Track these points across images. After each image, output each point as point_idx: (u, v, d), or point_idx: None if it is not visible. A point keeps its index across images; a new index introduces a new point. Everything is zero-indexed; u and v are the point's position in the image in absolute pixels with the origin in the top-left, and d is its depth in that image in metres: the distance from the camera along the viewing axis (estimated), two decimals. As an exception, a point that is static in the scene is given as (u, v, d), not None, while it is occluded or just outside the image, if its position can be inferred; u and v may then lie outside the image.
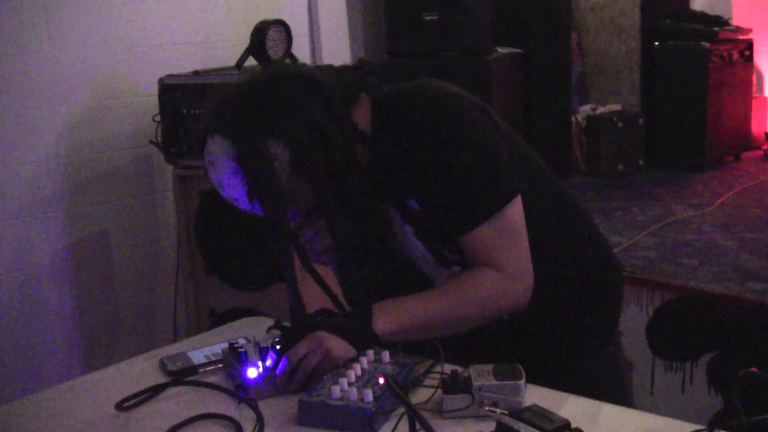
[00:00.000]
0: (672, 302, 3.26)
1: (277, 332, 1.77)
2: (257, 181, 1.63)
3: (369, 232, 1.81)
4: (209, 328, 3.40)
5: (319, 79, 1.72)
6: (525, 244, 1.74)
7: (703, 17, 5.55)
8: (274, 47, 3.27)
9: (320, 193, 1.69)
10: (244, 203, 1.68)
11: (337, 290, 1.80)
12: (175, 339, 3.69)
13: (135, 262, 3.82)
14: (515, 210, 1.73)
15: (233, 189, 1.66)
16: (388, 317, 1.70)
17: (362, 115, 1.75)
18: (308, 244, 1.81)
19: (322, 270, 1.82)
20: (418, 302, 1.74)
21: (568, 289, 1.88)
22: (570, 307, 1.90)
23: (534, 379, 1.62)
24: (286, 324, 1.78)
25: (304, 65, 1.76)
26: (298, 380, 1.66)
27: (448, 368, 1.61)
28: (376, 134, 1.74)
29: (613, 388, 1.96)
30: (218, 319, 3.40)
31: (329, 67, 3.79)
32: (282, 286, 3.20)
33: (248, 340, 1.80)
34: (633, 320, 3.32)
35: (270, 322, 2.08)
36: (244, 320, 2.15)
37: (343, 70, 1.78)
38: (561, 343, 1.92)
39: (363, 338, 1.69)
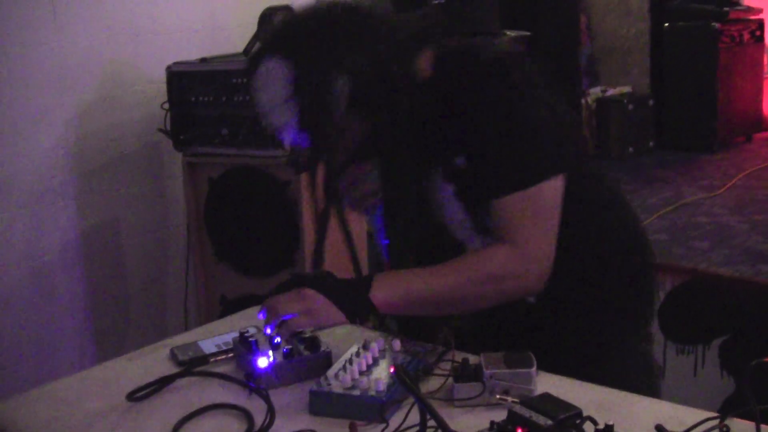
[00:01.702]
0: (683, 285, 3.25)
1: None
2: (313, 111, 1.58)
3: (411, 188, 1.75)
4: (220, 315, 3.41)
5: (389, 20, 1.68)
6: (553, 227, 1.67)
7: (713, -4, 5.52)
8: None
9: (376, 134, 1.64)
10: (288, 132, 1.62)
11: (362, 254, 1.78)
12: (186, 326, 3.70)
13: (145, 249, 3.82)
14: (552, 189, 1.66)
15: (281, 115, 1.60)
16: (387, 288, 1.65)
17: (423, 66, 1.69)
18: (348, 189, 1.77)
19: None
20: (423, 276, 1.68)
21: (594, 276, 1.83)
22: (595, 295, 1.84)
23: (557, 366, 1.60)
24: None
25: (374, 4, 1.71)
26: (272, 325, 1.65)
27: (460, 356, 1.60)
28: (435, 87, 1.68)
29: (642, 384, 1.85)
30: (229, 305, 3.40)
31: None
32: (290, 273, 3.21)
33: (259, 329, 1.80)
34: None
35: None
36: (253, 309, 2.13)
37: (411, 14, 1.72)
38: (585, 333, 1.84)
39: (356, 305, 1.65)
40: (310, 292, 1.66)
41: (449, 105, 1.67)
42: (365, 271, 1.77)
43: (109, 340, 3.72)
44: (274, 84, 1.58)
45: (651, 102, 5.40)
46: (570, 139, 1.75)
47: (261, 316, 1.68)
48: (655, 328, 3.28)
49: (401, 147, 1.67)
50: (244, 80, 3.14)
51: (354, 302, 1.65)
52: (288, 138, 1.63)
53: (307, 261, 3.17)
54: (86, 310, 3.65)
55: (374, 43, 1.61)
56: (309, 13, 1.65)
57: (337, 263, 1.82)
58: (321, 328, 1.67)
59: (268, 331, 1.67)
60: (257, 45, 1.66)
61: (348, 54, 1.59)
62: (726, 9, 5.36)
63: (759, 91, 5.71)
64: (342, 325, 1.69)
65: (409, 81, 1.65)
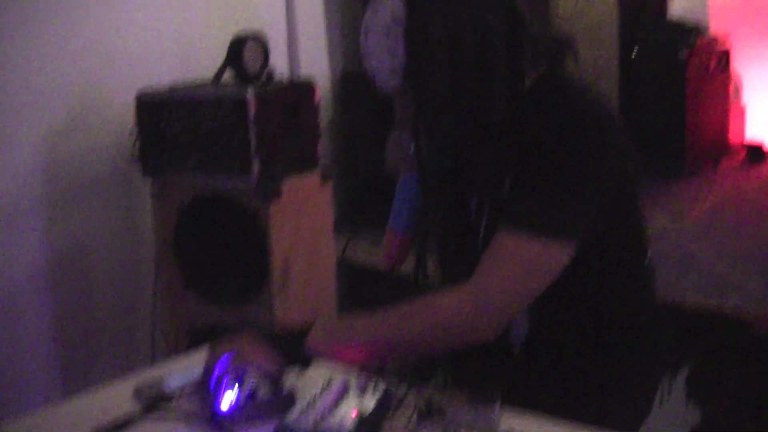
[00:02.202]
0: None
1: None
2: (413, 58, 1.58)
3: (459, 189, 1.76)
4: (188, 344, 3.40)
5: (526, 28, 1.67)
6: (527, 289, 1.60)
7: (680, 26, 5.57)
8: (251, 61, 3.26)
9: (455, 110, 1.63)
10: (372, 63, 1.63)
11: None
12: (154, 354, 3.68)
13: (114, 276, 3.80)
14: (552, 255, 1.59)
15: (376, 45, 1.61)
16: (327, 332, 1.64)
17: (529, 80, 1.68)
18: (396, 146, 1.80)
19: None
20: (367, 322, 1.66)
21: (592, 341, 1.78)
22: (589, 359, 1.79)
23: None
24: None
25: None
26: (212, 372, 1.65)
27: (425, 393, 1.60)
28: (526, 104, 1.67)
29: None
30: (197, 334, 3.39)
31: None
32: (260, 302, 3.21)
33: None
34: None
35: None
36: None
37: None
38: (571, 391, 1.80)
39: (293, 349, 1.65)
40: (247, 337, 1.68)
41: (525, 127, 1.64)
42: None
43: (77, 367, 3.69)
44: (386, 17, 1.59)
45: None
46: (607, 213, 1.67)
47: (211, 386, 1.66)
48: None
49: (468, 147, 1.67)
50: (213, 108, 3.15)
51: (292, 347, 1.64)
52: (373, 71, 1.63)
53: (276, 290, 3.16)
54: (53, 336, 3.62)
55: (495, 31, 1.60)
56: None
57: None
58: (264, 373, 1.65)
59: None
60: None
61: (467, 24, 1.58)
62: (693, 38, 5.42)
63: (725, 119, 5.76)
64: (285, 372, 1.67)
65: (509, 82, 1.63)
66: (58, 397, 3.51)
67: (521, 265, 1.58)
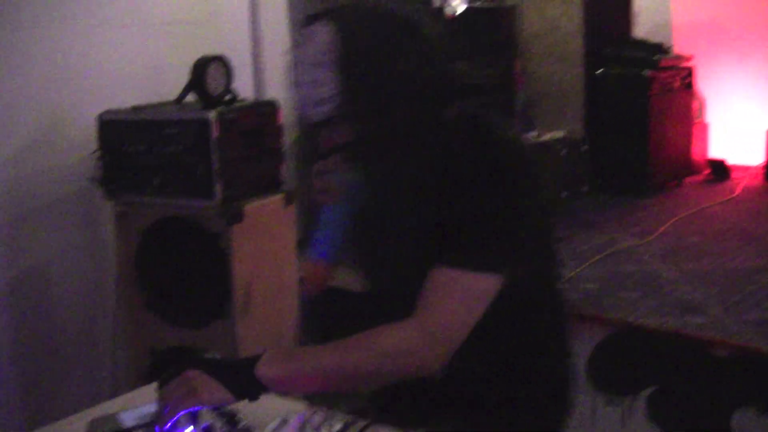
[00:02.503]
0: (612, 337, 3.29)
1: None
2: (347, 90, 1.57)
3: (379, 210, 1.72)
4: (149, 367, 3.37)
5: (451, 49, 1.68)
6: (470, 318, 1.61)
7: (644, 45, 5.63)
8: (214, 83, 3.25)
9: (383, 140, 1.62)
10: (303, 95, 1.62)
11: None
12: (115, 378, 3.65)
13: (75, 298, 3.76)
14: (489, 285, 1.61)
15: (309, 76, 1.60)
16: (274, 364, 1.60)
17: (448, 112, 1.68)
18: (316, 176, 1.75)
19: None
20: (316, 352, 1.63)
21: (509, 373, 1.78)
22: (506, 389, 1.80)
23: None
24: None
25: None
26: (163, 415, 1.62)
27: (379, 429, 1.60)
28: (445, 138, 1.65)
29: None
30: (159, 357, 3.37)
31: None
32: (222, 324, 3.20)
33: (181, 400, 1.78)
34: (574, 355, 3.34)
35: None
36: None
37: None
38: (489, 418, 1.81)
39: (241, 382, 1.60)
40: (193, 372, 1.62)
41: (447, 161, 1.63)
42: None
43: (36, 391, 3.65)
44: (315, 42, 1.59)
45: (585, 147, 5.47)
46: (532, 246, 1.68)
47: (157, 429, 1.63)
48: (583, 379, 3.33)
49: (393, 172, 1.64)
50: (176, 130, 3.14)
51: (239, 379, 1.61)
52: (302, 104, 1.63)
53: (238, 313, 3.15)
54: (13, 358, 3.58)
55: (428, 62, 1.60)
56: (383, 4, 1.65)
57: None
58: (212, 406, 1.62)
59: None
60: (325, 4, 1.65)
61: (401, 56, 1.58)
62: (657, 57, 5.48)
63: (689, 137, 5.83)
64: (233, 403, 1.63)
65: (434, 115, 1.64)
66: (17, 422, 3.47)
67: (463, 298, 1.61)
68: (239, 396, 1.61)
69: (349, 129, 1.61)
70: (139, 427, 1.76)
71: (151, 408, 1.79)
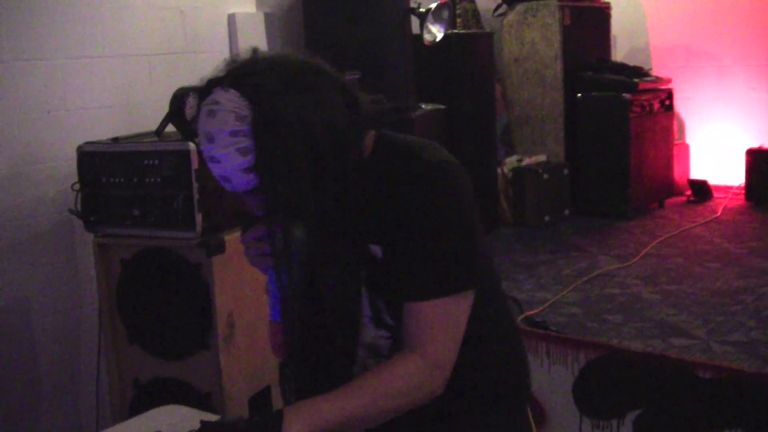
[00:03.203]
0: (597, 361, 3.29)
1: None
2: (266, 153, 1.55)
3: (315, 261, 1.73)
4: (133, 399, 3.35)
5: (354, 92, 1.69)
6: (459, 337, 1.71)
7: (623, 68, 5.66)
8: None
9: (317, 194, 1.61)
10: (223, 167, 1.58)
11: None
12: (98, 409, 3.62)
13: (57, 329, 3.74)
14: (465, 302, 1.71)
15: (222, 148, 1.56)
16: (301, 419, 1.62)
17: (366, 145, 1.71)
18: (254, 243, 1.74)
19: None
20: (335, 400, 1.66)
21: (470, 394, 1.85)
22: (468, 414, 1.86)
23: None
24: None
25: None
26: None
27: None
28: (371, 170, 1.70)
29: None
30: (142, 388, 3.35)
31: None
32: (205, 355, 3.18)
33: (162, 435, 1.77)
34: (559, 379, 3.34)
35: (186, 410, 2.06)
36: (162, 409, 2.10)
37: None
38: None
39: None
40: None
41: (380, 192, 1.68)
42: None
43: (19, 423, 3.62)
44: (222, 114, 1.56)
45: (566, 170, 5.49)
46: (481, 254, 1.77)
47: None
48: (569, 403, 3.32)
49: (328, 219, 1.65)
50: (156, 161, 3.13)
51: None
52: (224, 175, 1.59)
53: (221, 343, 3.13)
54: (-6, 392, 3.56)
55: (335, 105, 1.62)
56: (276, 58, 1.65)
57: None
58: None
59: None
60: (219, 70, 1.63)
61: (309, 107, 1.58)
62: (636, 80, 5.51)
63: (669, 158, 5.85)
64: None
65: (357, 154, 1.65)
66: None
67: (451, 322, 1.70)
68: None
69: (277, 190, 1.59)
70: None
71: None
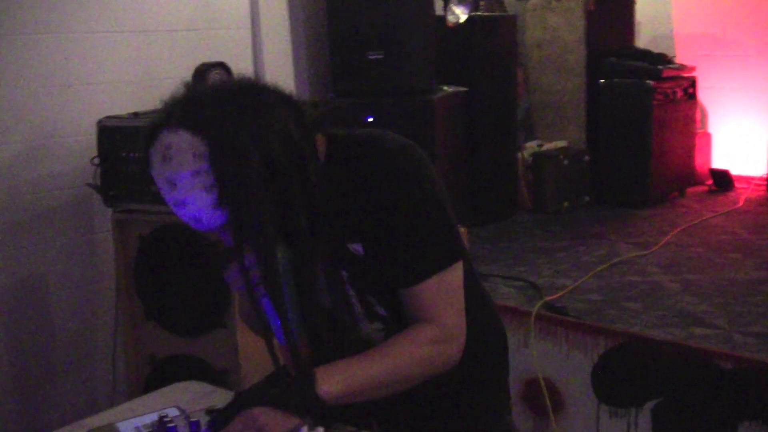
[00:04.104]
0: (616, 348, 3.25)
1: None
2: (231, 186, 1.50)
3: (304, 269, 1.71)
4: (149, 374, 3.35)
5: (294, 98, 1.65)
6: (462, 305, 1.75)
7: (647, 55, 5.60)
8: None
9: (289, 213, 1.59)
10: (192, 208, 1.53)
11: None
12: (114, 385, 3.62)
13: (74, 304, 3.74)
14: (458, 271, 1.74)
15: (187, 190, 1.51)
16: (333, 380, 1.64)
17: (319, 151, 1.69)
18: (239, 278, 1.68)
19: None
20: (362, 363, 1.69)
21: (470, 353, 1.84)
22: (472, 370, 1.88)
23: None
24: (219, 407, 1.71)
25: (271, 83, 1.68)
26: None
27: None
28: (330, 171, 1.68)
29: None
30: (158, 364, 3.34)
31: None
32: (222, 333, 3.17)
33: (181, 410, 1.75)
34: (577, 366, 3.32)
35: (204, 386, 2.05)
36: (179, 385, 2.08)
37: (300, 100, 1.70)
38: (461, 412, 1.93)
39: (306, 405, 1.62)
40: (256, 411, 1.61)
41: (346, 191, 1.68)
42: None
43: (34, 397, 3.63)
44: (180, 157, 1.50)
45: (586, 157, 5.45)
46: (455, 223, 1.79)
47: None
48: (587, 390, 3.30)
49: (300, 230, 1.63)
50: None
51: (303, 403, 1.62)
52: (191, 215, 1.55)
53: (237, 322, 3.12)
54: (10, 365, 3.56)
55: (285, 117, 1.58)
56: (216, 88, 1.61)
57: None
58: None
59: None
60: (158, 114, 1.57)
61: (260, 127, 1.54)
62: (660, 67, 5.45)
63: (691, 147, 5.80)
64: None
65: (313, 161, 1.63)
66: (13, 430, 3.44)
67: (452, 292, 1.74)
68: (305, 416, 1.63)
69: (247, 217, 1.55)
70: (138, 437, 1.73)
71: (148, 419, 1.77)
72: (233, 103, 1.55)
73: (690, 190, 5.80)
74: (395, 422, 1.84)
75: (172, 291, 3.28)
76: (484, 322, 1.95)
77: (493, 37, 5.05)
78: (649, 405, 3.18)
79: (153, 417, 1.74)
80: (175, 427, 1.63)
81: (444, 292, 1.72)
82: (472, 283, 1.88)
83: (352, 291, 1.79)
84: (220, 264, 1.78)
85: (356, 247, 1.72)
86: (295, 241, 1.64)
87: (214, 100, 1.56)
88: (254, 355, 3.18)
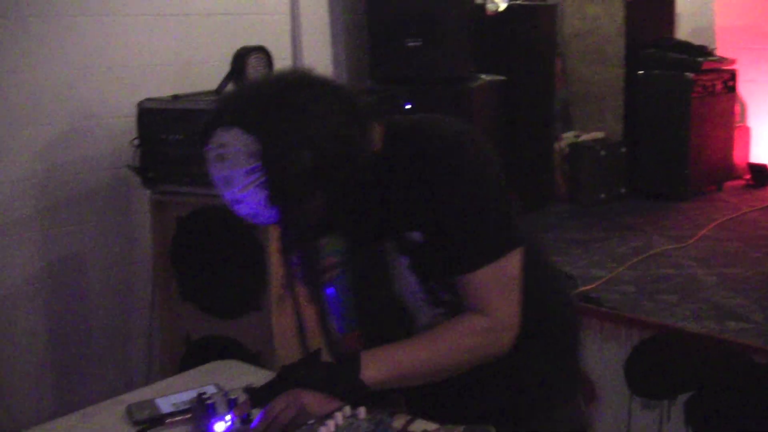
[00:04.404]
0: (650, 340, 3.24)
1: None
2: (282, 184, 1.53)
3: (363, 257, 1.77)
4: (184, 355, 3.38)
5: (347, 92, 1.66)
6: (518, 294, 1.73)
7: (687, 47, 5.55)
8: (254, 73, 3.24)
9: (332, 208, 1.62)
10: (248, 206, 1.57)
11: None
12: (149, 365, 3.66)
13: (110, 285, 3.78)
14: (516, 260, 1.72)
15: (242, 188, 1.54)
16: (377, 366, 1.66)
17: (375, 140, 1.70)
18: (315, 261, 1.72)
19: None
20: (407, 349, 1.71)
21: (531, 337, 1.84)
22: (531, 354, 1.87)
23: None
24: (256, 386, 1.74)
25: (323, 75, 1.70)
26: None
27: (422, 425, 1.58)
28: (387, 161, 1.69)
29: None
30: (193, 345, 3.37)
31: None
32: (257, 315, 3.19)
33: (218, 388, 1.77)
34: (611, 357, 3.31)
35: (241, 365, 2.07)
36: (216, 363, 2.11)
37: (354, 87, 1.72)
38: (524, 393, 1.89)
39: (349, 389, 1.65)
40: (299, 392, 1.65)
41: (404, 179, 1.68)
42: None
43: (70, 376, 3.67)
44: (234, 156, 1.53)
45: (623, 149, 5.42)
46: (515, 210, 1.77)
47: (254, 424, 1.65)
48: (620, 381, 3.29)
49: (356, 221, 1.67)
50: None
51: (346, 387, 1.65)
52: (247, 212, 1.58)
53: (273, 305, 3.14)
54: (47, 344, 3.60)
55: (333, 114, 1.59)
56: (269, 85, 1.62)
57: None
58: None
59: None
60: (213, 111, 1.60)
61: (310, 125, 1.56)
62: (700, 59, 5.40)
63: (730, 141, 5.74)
64: None
65: (366, 153, 1.64)
66: (51, 410, 3.48)
67: (507, 283, 1.72)
68: (348, 400, 1.66)
69: (297, 216, 1.59)
70: (177, 413, 1.75)
71: (186, 396, 1.79)
72: (284, 101, 1.57)
73: (728, 184, 5.75)
74: (436, 405, 1.82)
75: (208, 273, 3.30)
76: (550, 306, 1.93)
77: (532, 26, 5.03)
78: (682, 398, 3.17)
79: (191, 394, 1.76)
80: (214, 404, 1.65)
81: (498, 281, 1.70)
82: (538, 266, 1.87)
83: (415, 277, 1.79)
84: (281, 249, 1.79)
85: (415, 234, 1.73)
86: (349, 232, 1.68)
87: (266, 98, 1.58)
88: (288, 339, 3.20)
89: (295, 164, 1.54)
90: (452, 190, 1.66)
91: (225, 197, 1.59)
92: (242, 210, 1.59)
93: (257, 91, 1.61)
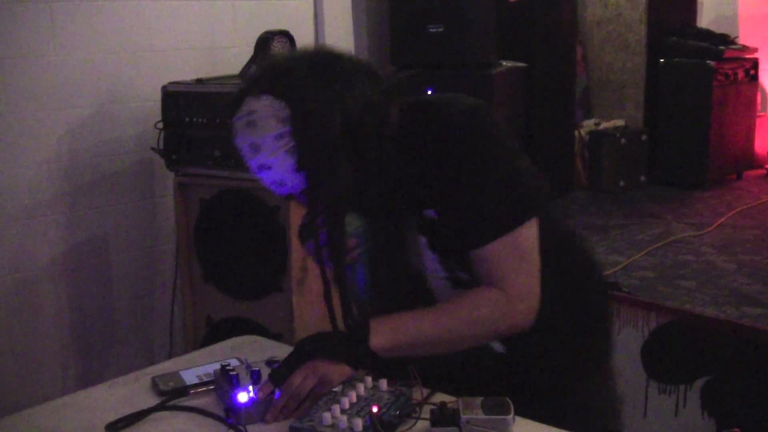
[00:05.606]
0: (668, 325, 3.26)
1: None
2: (311, 148, 1.56)
3: (382, 236, 1.79)
4: (206, 336, 3.42)
5: (372, 66, 1.69)
6: (535, 266, 1.73)
7: (709, 35, 5.54)
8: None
9: (361, 180, 1.64)
10: (276, 172, 1.58)
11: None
12: (171, 345, 3.70)
13: (133, 267, 3.82)
14: (529, 231, 1.72)
15: (271, 153, 1.56)
16: (384, 333, 1.67)
17: (393, 118, 1.71)
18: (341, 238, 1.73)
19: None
20: (417, 318, 1.72)
21: (558, 313, 1.86)
22: (559, 331, 1.88)
23: (528, 411, 1.63)
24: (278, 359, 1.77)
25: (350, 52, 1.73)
26: (291, 407, 1.66)
27: (438, 399, 1.61)
28: (401, 140, 1.70)
29: (608, 421, 1.98)
30: (215, 327, 3.41)
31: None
32: (278, 297, 3.23)
33: (241, 362, 1.80)
34: (628, 341, 3.32)
35: (263, 340, 2.10)
36: (239, 339, 2.14)
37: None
38: (553, 369, 1.90)
39: (359, 356, 1.67)
40: (317, 363, 1.67)
41: (417, 158, 1.70)
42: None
43: (94, 356, 3.72)
44: (263, 122, 1.55)
45: (644, 136, 5.42)
46: (536, 183, 1.77)
47: (277, 395, 1.68)
48: (637, 366, 3.30)
49: (378, 197, 1.70)
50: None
51: (356, 354, 1.67)
52: (274, 178, 1.61)
53: (294, 286, 3.18)
54: (72, 324, 3.64)
55: (362, 82, 1.62)
56: (298, 57, 1.66)
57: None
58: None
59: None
60: (242, 84, 1.63)
61: (340, 91, 1.58)
62: (722, 47, 5.39)
63: (751, 130, 5.73)
64: None
65: (391, 126, 1.66)
66: (75, 386, 3.53)
67: (521, 254, 1.71)
68: (358, 367, 1.69)
69: (329, 180, 1.60)
70: (202, 384, 1.78)
71: (209, 369, 1.82)
72: (314, 69, 1.60)
73: (748, 173, 5.75)
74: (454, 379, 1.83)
75: (230, 255, 3.34)
76: (573, 276, 1.93)
77: (553, 13, 5.03)
78: (699, 383, 3.18)
79: (215, 366, 1.80)
80: (237, 375, 1.69)
81: (510, 254, 1.70)
82: (556, 235, 1.86)
83: (435, 256, 1.80)
84: (300, 234, 1.81)
85: (430, 213, 1.74)
86: (370, 208, 1.70)
87: (296, 67, 1.61)
88: (309, 321, 3.23)
89: (325, 128, 1.56)
90: (459, 166, 1.67)
91: (251, 165, 1.60)
92: (269, 177, 1.60)
93: (287, 62, 1.64)
